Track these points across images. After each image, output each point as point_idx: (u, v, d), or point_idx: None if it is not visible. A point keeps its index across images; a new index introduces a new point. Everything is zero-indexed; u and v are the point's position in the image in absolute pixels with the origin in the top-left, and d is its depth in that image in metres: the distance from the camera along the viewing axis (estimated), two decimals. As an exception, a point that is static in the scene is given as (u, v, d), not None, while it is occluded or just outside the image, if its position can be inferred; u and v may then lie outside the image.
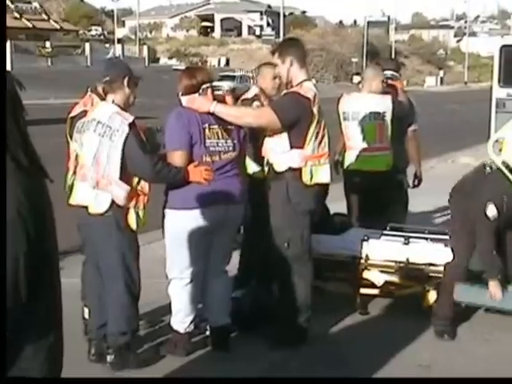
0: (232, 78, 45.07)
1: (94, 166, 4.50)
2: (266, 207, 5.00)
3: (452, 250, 5.38)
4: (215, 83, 5.13)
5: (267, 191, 5.07)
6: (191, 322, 4.89)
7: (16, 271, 1.84)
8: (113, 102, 4.59)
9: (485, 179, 5.14)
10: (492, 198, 4.92)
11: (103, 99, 4.79)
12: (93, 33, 79.49)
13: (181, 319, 4.88)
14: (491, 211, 4.90)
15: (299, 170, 4.90)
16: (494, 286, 5.11)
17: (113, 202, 4.50)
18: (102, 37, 78.98)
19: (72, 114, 5.11)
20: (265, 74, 5.76)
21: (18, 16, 59.49)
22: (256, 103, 5.64)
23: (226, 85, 32.16)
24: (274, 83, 5.63)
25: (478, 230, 5.07)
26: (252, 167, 5.47)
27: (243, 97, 5.76)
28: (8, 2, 52.53)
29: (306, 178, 4.92)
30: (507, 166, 4.79)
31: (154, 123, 5.27)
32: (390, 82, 6.76)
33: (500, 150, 5.06)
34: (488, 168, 5.13)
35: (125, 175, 4.49)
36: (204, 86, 4.76)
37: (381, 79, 6.57)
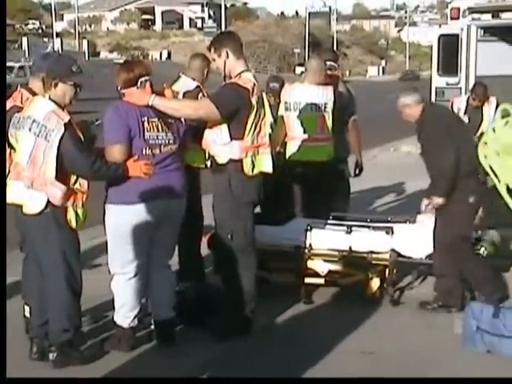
0: (10, 69, 30.54)
1: (29, 165, 4.43)
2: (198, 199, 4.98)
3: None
4: None
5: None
6: (135, 317, 4.85)
7: None
8: (49, 98, 4.51)
9: None
10: None
11: (34, 94, 4.68)
12: (30, 27, 78.02)
13: (124, 314, 4.83)
14: None
15: (240, 161, 4.91)
16: None
17: (48, 201, 4.43)
18: (39, 31, 77.67)
19: None
20: (191, 66, 6.02)
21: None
22: (201, 96, 5.66)
23: None
24: (201, 74, 5.94)
25: None
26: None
27: (184, 90, 5.74)
28: None
29: (247, 169, 4.93)
30: (493, 170, 4.83)
31: (94, 117, 5.20)
32: (329, 72, 6.81)
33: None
34: None
35: (61, 174, 4.41)
36: (142, 79, 4.73)
37: (324, 72, 6.63)
